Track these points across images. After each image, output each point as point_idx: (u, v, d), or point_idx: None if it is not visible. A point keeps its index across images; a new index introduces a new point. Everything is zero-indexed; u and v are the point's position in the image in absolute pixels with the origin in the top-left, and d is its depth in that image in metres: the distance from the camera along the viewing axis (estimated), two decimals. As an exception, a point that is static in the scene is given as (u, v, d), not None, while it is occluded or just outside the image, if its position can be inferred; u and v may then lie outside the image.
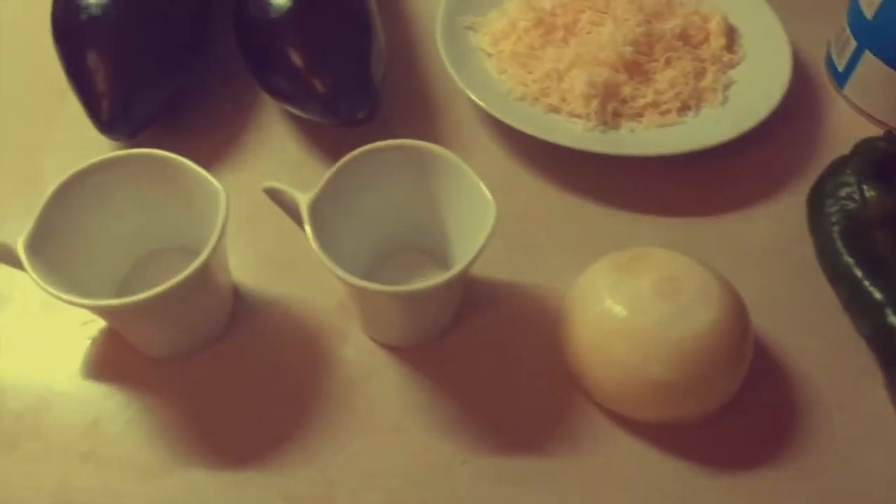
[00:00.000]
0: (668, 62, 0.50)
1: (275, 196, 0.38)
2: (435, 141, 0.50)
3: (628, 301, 0.36)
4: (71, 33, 0.45)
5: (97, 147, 0.47)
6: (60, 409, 0.38)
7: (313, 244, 0.35)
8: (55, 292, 0.33)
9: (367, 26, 0.47)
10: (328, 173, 0.37)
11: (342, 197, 0.38)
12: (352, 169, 0.38)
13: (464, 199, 0.38)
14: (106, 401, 0.38)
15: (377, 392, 0.39)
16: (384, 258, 0.42)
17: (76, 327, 0.40)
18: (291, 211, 0.38)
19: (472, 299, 0.42)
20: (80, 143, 0.48)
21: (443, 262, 0.42)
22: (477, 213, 0.37)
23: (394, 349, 0.40)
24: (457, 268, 0.34)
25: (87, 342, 0.40)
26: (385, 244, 0.42)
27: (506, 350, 0.40)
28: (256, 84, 0.49)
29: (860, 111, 0.51)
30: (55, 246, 0.35)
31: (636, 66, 0.49)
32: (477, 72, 0.50)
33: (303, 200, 0.36)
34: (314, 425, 0.38)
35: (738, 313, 0.37)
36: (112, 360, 0.40)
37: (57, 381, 0.39)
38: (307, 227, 0.35)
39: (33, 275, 0.33)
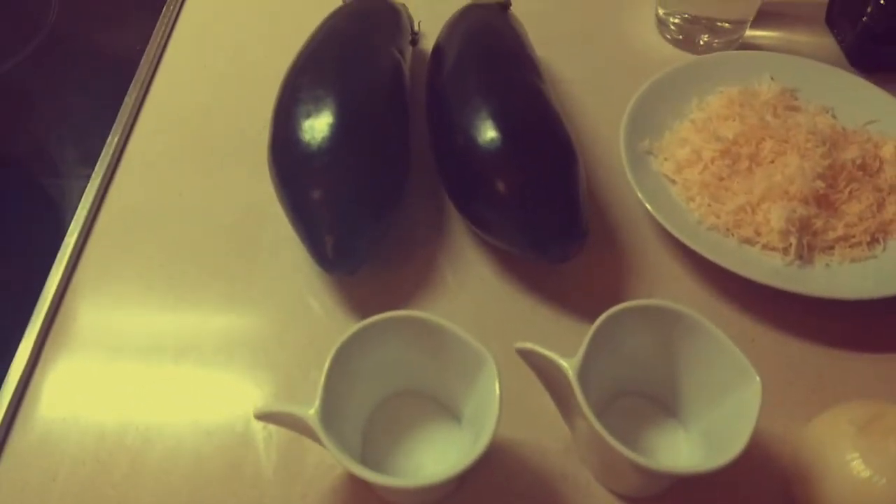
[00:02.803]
0: (851, 194, 0.51)
1: (529, 357, 0.39)
2: (624, 270, 0.51)
3: (884, 468, 0.37)
4: (294, 171, 0.46)
5: (303, 275, 0.49)
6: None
7: (586, 412, 0.36)
8: (351, 465, 0.34)
9: (573, 160, 0.47)
10: (587, 337, 0.38)
11: (594, 357, 0.38)
12: (604, 329, 0.39)
13: (710, 361, 0.39)
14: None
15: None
16: (607, 402, 0.43)
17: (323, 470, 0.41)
18: (541, 368, 0.39)
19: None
20: (286, 269, 0.49)
21: (667, 407, 0.43)
22: (725, 377, 0.38)
23: (628, 498, 0.41)
24: (730, 454, 0.35)
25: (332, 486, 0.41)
26: (612, 389, 0.43)
27: (734, 495, 0.41)
28: (448, 206, 0.50)
29: None
30: (329, 407, 0.36)
31: (824, 198, 0.51)
32: (664, 199, 0.51)
33: (569, 368, 0.37)
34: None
35: None
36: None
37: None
38: (579, 396, 0.36)
39: (332, 449, 0.33)
